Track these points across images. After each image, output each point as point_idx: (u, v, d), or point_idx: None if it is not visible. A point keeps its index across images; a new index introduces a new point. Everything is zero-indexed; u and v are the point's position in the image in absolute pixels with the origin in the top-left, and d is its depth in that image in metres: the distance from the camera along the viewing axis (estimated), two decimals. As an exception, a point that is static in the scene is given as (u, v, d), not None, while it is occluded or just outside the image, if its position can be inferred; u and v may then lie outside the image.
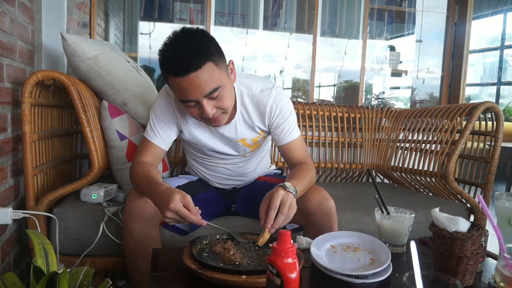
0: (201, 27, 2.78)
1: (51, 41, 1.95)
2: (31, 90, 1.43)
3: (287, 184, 1.13)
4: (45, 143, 1.59)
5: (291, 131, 1.38)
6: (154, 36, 2.90)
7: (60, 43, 1.64)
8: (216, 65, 1.13)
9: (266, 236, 1.05)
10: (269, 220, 1.04)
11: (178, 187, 1.43)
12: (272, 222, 1.04)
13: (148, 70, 2.81)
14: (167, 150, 1.39)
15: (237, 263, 0.96)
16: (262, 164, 1.62)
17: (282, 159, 2.35)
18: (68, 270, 1.03)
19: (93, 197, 1.56)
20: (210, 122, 1.26)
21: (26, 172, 1.45)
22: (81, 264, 1.45)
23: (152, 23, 2.92)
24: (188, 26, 1.16)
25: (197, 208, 1.05)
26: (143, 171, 1.24)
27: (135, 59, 2.71)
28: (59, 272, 0.86)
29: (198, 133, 1.39)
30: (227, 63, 1.21)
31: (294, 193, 1.12)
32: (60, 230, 1.46)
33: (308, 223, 1.31)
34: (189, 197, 1.05)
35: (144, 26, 2.90)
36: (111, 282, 0.98)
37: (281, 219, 1.05)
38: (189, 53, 1.09)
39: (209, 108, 1.16)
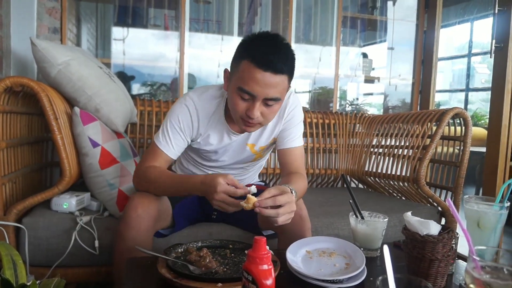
0: (175, 33, 2.79)
1: (20, 47, 1.90)
2: (-2, 97, 1.39)
3: (294, 193, 1.14)
4: (13, 151, 1.54)
5: (295, 139, 1.41)
6: (127, 42, 2.86)
7: (29, 48, 1.60)
8: (288, 80, 1.20)
9: (250, 205, 1.01)
10: (262, 203, 1.01)
11: None
12: (262, 205, 1.00)
13: (125, 78, 2.77)
14: (175, 159, 1.38)
15: (213, 270, 0.95)
16: (251, 178, 1.64)
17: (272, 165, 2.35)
18: (38, 281, 1.00)
19: (64, 206, 1.52)
20: (243, 124, 1.24)
21: (-7, 181, 1.40)
22: (52, 275, 1.41)
23: (125, 28, 2.88)
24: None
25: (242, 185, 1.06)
26: (160, 173, 1.24)
27: (108, 65, 2.67)
28: (28, 284, 0.83)
29: (215, 138, 1.38)
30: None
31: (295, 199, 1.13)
32: (30, 241, 1.41)
33: (281, 230, 1.31)
34: (230, 176, 1.07)
35: (117, 31, 2.86)
36: (83, 294, 0.95)
37: (269, 214, 1.01)
38: (279, 55, 1.13)
39: (258, 111, 1.18)
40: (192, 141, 1.40)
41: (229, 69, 1.26)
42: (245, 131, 1.32)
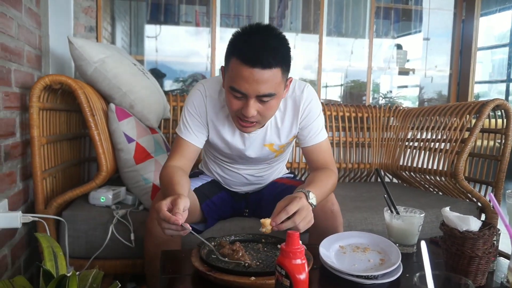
0: (206, 29, 2.80)
1: (58, 46, 1.96)
2: (39, 95, 1.44)
3: (311, 195, 1.09)
4: (53, 147, 1.60)
5: (318, 133, 1.35)
6: (160, 39, 2.91)
7: (67, 47, 1.65)
8: (282, 73, 1.12)
9: (268, 228, 0.99)
10: (276, 219, 0.98)
11: (198, 188, 1.43)
12: (278, 221, 0.98)
13: (157, 75, 2.82)
14: (201, 148, 1.35)
15: (246, 264, 0.96)
16: (278, 171, 1.60)
17: (297, 160, 2.34)
18: (78, 273, 1.04)
19: (102, 200, 1.57)
20: (241, 124, 1.21)
21: (35, 176, 1.46)
22: (91, 267, 1.46)
23: (158, 26, 2.93)
24: (272, 26, 1.14)
25: (182, 213, 0.96)
26: (167, 175, 1.21)
27: (141, 62, 2.72)
28: (68, 275, 0.86)
29: (227, 135, 1.35)
30: (288, 78, 1.20)
31: (313, 205, 1.08)
32: (69, 233, 1.47)
33: (312, 226, 1.29)
34: (180, 201, 0.97)
35: (150, 29, 2.91)
36: (120, 285, 0.97)
37: (288, 225, 0.99)
38: (267, 48, 1.07)
39: (253, 108, 1.13)
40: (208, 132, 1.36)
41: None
42: (243, 131, 1.26)
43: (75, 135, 1.86)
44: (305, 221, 1.00)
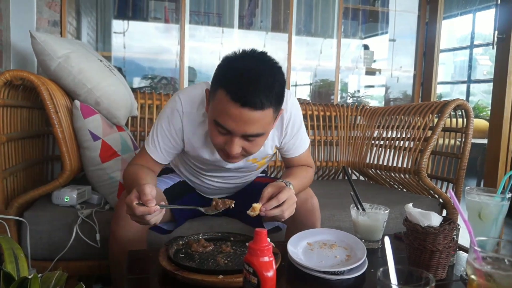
0: (176, 26, 2.77)
1: (20, 40, 1.89)
2: (-2, 90, 1.38)
3: (291, 186, 1.11)
4: (14, 145, 1.54)
5: (301, 145, 1.33)
6: (128, 35, 2.85)
7: (29, 42, 1.59)
8: (274, 113, 1.04)
9: (257, 212, 0.99)
10: (267, 206, 0.99)
11: (169, 188, 1.39)
12: (268, 208, 0.98)
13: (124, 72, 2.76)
14: (166, 164, 1.30)
15: (213, 261, 0.96)
16: (255, 175, 1.53)
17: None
18: (40, 275, 1.01)
19: (66, 200, 1.53)
20: (224, 156, 1.13)
21: (-6, 175, 1.41)
22: (54, 268, 1.41)
23: (126, 21, 2.87)
24: (267, 54, 1.04)
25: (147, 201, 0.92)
26: (132, 171, 1.17)
27: (109, 58, 2.66)
28: (30, 277, 0.83)
29: (204, 150, 1.26)
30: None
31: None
32: (32, 234, 1.42)
33: (291, 220, 1.25)
34: (146, 188, 0.93)
35: (117, 25, 2.85)
36: (84, 286, 0.95)
37: (275, 213, 1.00)
38: (260, 88, 0.97)
39: (237, 146, 1.05)
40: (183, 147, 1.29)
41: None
42: (228, 162, 1.18)
43: (38, 132, 1.79)
44: (290, 210, 1.03)
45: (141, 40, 2.94)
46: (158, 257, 0.96)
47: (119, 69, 2.75)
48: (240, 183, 1.48)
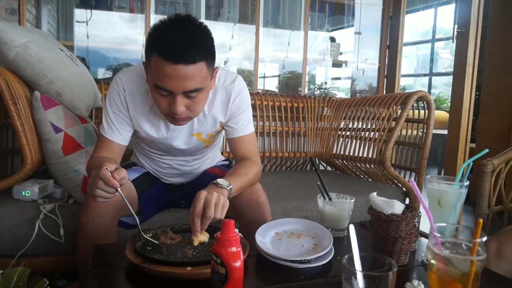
0: (141, 16, 2.71)
1: (-26, 28, 1.80)
2: (-49, 81, 1.31)
3: (220, 180, 1.10)
4: (-30, 138, 1.47)
5: (245, 125, 1.34)
6: (91, 24, 2.77)
7: (-16, 29, 1.52)
8: (208, 66, 1.09)
9: (200, 238, 1.00)
10: (195, 229, 0.99)
11: (136, 179, 1.38)
12: (198, 229, 0.99)
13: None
14: (127, 145, 1.30)
15: (179, 253, 0.97)
16: (211, 159, 1.58)
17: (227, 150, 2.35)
18: (1, 272, 0.97)
19: (27, 194, 1.47)
20: (171, 119, 1.18)
21: None
22: (16, 265, 1.37)
23: (89, 10, 2.78)
24: (192, 16, 1.09)
25: (114, 173, 0.96)
26: (97, 163, 1.13)
27: (71, 48, 2.57)
28: (-11, 274, 0.80)
29: (150, 127, 1.30)
30: (214, 68, 1.16)
31: (228, 189, 1.09)
32: (-9, 231, 1.36)
33: (241, 218, 1.29)
34: (122, 170, 0.99)
35: (80, 13, 2.76)
36: (47, 282, 0.93)
37: (207, 223, 0.99)
38: (189, 43, 1.02)
39: (181, 105, 1.10)
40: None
41: None
42: (176, 125, 1.24)
43: (-4, 125, 1.72)
44: (218, 208, 0.99)
45: (105, 29, 2.86)
46: (124, 250, 0.94)
47: (82, 60, 2.67)
48: (194, 165, 1.50)
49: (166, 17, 1.08)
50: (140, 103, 1.26)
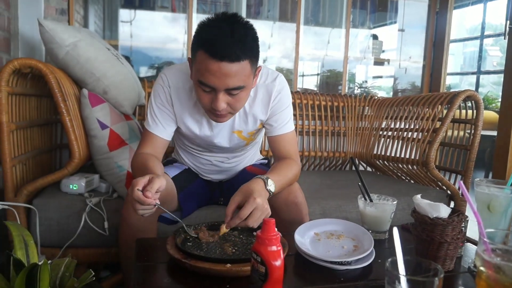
0: (183, 15, 2.76)
1: (28, 28, 1.89)
2: (7, 79, 1.39)
3: (269, 181, 1.10)
4: (23, 133, 1.55)
5: (285, 123, 1.34)
6: (135, 24, 2.85)
7: (37, 30, 1.59)
8: (251, 65, 1.10)
9: (222, 231, 1.02)
10: (231, 224, 1.00)
11: (176, 176, 1.41)
12: (233, 225, 1.01)
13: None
14: (170, 140, 1.34)
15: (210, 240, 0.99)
16: (251, 157, 1.59)
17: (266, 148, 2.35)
18: (50, 261, 1.02)
19: (74, 188, 1.54)
20: (213, 116, 1.20)
21: (4, 163, 1.42)
22: (63, 255, 1.43)
23: (133, 10, 2.86)
24: (238, 14, 1.11)
25: (146, 192, 0.97)
26: (140, 162, 1.20)
27: (115, 47, 2.66)
28: (40, 263, 0.84)
29: (193, 123, 1.33)
30: (257, 67, 1.17)
31: (271, 192, 1.10)
32: (41, 222, 1.43)
33: (278, 219, 1.28)
34: (156, 180, 0.99)
35: (124, 13, 2.85)
36: (93, 273, 0.96)
37: (241, 225, 1.01)
38: (235, 41, 1.03)
39: (223, 102, 1.11)
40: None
41: None
42: (217, 122, 1.25)
43: (46, 121, 1.80)
44: (258, 220, 1.01)
45: (148, 29, 2.93)
46: (166, 245, 0.96)
47: (127, 58, 2.75)
48: (234, 162, 1.51)
49: (213, 15, 1.09)
50: (184, 100, 1.29)
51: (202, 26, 1.09)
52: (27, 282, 0.83)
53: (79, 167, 1.54)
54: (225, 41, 1.03)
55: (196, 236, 1.03)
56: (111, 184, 1.64)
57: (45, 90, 1.65)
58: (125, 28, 2.84)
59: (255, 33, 1.12)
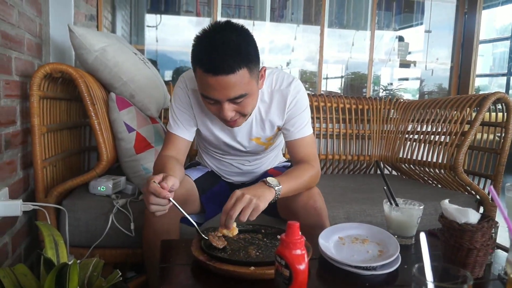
0: (207, 19, 2.79)
1: (59, 34, 1.95)
2: (39, 83, 1.44)
3: (270, 179, 1.10)
4: (54, 136, 1.60)
5: (302, 127, 1.33)
6: (160, 28, 2.90)
7: (67, 35, 1.64)
8: (250, 72, 1.09)
9: (224, 231, 1.02)
10: (221, 222, 1.01)
11: (198, 178, 1.43)
12: (222, 224, 1.01)
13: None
14: (192, 141, 1.36)
15: (220, 246, 0.98)
16: (272, 160, 1.59)
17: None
18: (78, 261, 1.05)
19: (102, 189, 1.57)
20: (226, 123, 1.21)
21: (35, 164, 1.47)
22: (91, 255, 1.47)
23: (158, 15, 2.92)
24: (232, 20, 1.11)
25: (163, 184, 0.98)
26: (160, 163, 1.22)
27: (141, 51, 2.71)
28: (69, 263, 0.86)
29: (213, 127, 1.35)
30: (260, 69, 1.17)
31: (277, 189, 1.09)
32: (70, 222, 1.47)
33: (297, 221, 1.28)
34: (170, 178, 1.00)
35: (150, 18, 2.90)
36: (120, 273, 0.98)
37: (229, 221, 1.00)
38: (227, 53, 1.03)
39: (229, 111, 1.13)
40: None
41: None
42: (232, 127, 1.25)
43: (76, 124, 1.86)
44: (246, 212, 0.99)
45: (173, 33, 2.98)
46: (190, 247, 0.97)
47: (154, 62, 2.80)
48: (255, 165, 1.52)
49: (206, 27, 1.09)
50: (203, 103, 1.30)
51: (195, 41, 1.10)
52: (57, 281, 0.85)
53: (107, 169, 1.57)
54: (217, 55, 1.03)
55: (207, 238, 1.02)
56: (137, 186, 1.67)
57: (75, 94, 1.70)
58: (151, 33, 2.90)
59: (250, 36, 1.11)
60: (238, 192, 1.03)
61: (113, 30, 2.68)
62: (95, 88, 1.56)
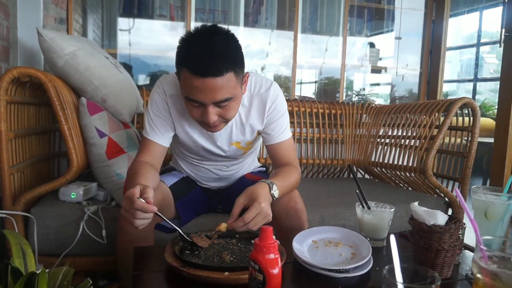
0: (181, 23, 2.77)
1: (27, 37, 1.90)
2: (6, 87, 1.39)
3: (274, 186, 1.11)
4: (21, 142, 1.55)
5: (282, 131, 1.34)
6: (133, 32, 2.86)
7: (36, 39, 1.60)
8: (236, 76, 1.09)
9: (223, 228, 1.03)
10: (233, 226, 1.02)
11: (173, 184, 1.41)
12: (235, 227, 1.02)
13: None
14: (168, 146, 1.34)
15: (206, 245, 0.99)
16: (249, 165, 1.59)
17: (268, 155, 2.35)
18: (47, 270, 1.02)
19: (72, 196, 1.54)
20: (207, 127, 1.21)
21: (2, 171, 1.42)
22: (61, 264, 1.43)
23: (131, 19, 2.87)
24: (219, 24, 1.10)
25: (148, 199, 0.96)
26: (134, 169, 1.19)
27: (114, 55, 2.67)
28: (38, 272, 0.84)
29: (192, 132, 1.34)
30: (244, 74, 1.17)
31: (275, 197, 1.11)
32: (39, 230, 1.43)
33: (278, 226, 1.27)
34: (149, 190, 0.98)
35: (123, 22, 2.86)
36: (91, 282, 0.96)
37: (242, 229, 1.02)
38: (214, 56, 1.03)
39: (213, 115, 1.12)
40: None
41: None
42: (211, 132, 1.26)
43: (45, 129, 1.80)
44: (259, 224, 1.02)
45: (146, 37, 2.94)
46: (163, 254, 0.96)
47: (127, 66, 2.76)
48: (233, 170, 1.51)
49: (193, 28, 1.09)
50: (181, 107, 1.29)
51: (182, 43, 1.09)
52: (25, 291, 0.82)
53: (77, 175, 1.54)
54: (206, 57, 1.03)
55: (190, 240, 1.02)
56: (110, 192, 1.64)
57: (44, 98, 1.66)
58: (124, 37, 2.85)
59: (237, 41, 1.12)
60: (260, 206, 1.02)
61: (84, 34, 2.63)
62: (65, 93, 1.53)
